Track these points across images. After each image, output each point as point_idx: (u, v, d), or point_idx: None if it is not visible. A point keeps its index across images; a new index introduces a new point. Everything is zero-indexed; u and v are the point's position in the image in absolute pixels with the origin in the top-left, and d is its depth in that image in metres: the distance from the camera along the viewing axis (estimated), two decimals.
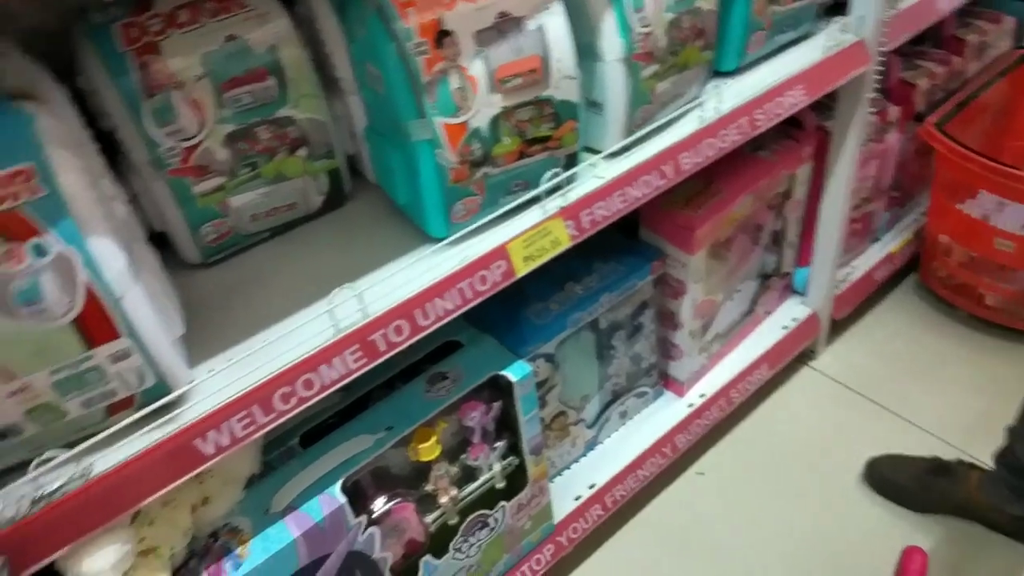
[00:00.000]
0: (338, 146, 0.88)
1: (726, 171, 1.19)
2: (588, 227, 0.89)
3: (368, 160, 0.92)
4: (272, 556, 0.78)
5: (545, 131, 0.82)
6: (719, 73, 1.08)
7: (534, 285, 1.12)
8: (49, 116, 0.58)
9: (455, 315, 0.80)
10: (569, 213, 0.87)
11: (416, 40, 0.71)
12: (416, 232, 0.86)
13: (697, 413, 1.32)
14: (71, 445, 0.64)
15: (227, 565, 0.77)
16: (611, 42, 0.85)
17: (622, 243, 1.18)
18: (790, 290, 1.50)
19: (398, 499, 0.92)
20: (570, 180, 0.88)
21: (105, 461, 0.65)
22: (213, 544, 0.79)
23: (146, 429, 0.67)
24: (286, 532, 0.79)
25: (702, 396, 1.34)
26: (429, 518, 0.97)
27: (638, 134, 0.94)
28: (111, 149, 0.76)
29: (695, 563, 1.24)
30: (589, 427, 1.25)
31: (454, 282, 0.79)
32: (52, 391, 0.61)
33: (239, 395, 0.69)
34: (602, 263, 1.15)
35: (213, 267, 0.87)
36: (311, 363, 0.72)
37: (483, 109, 0.76)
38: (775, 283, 1.44)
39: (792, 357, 1.47)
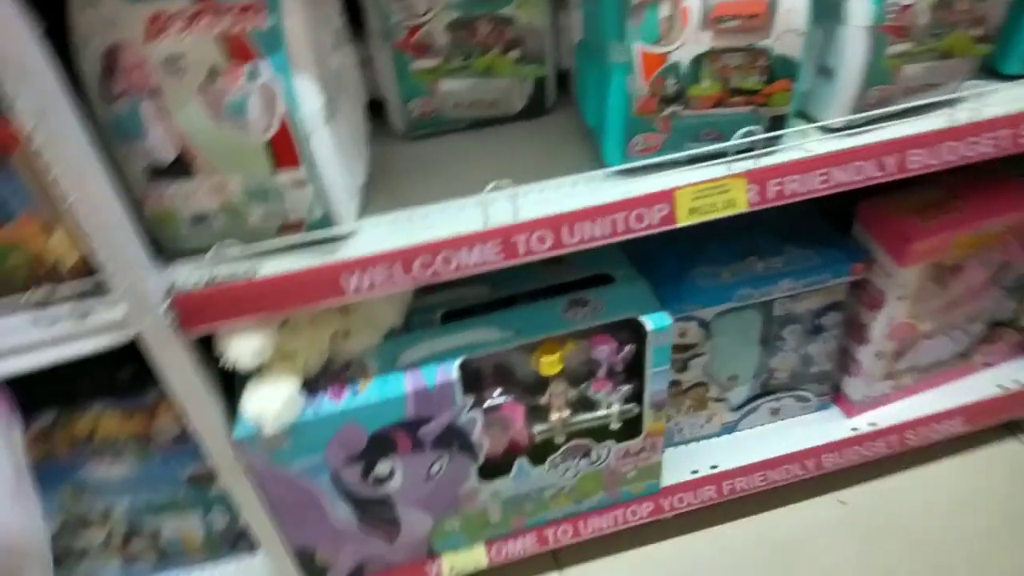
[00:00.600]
0: (551, 57, 0.91)
1: (977, 188, 1.04)
2: (773, 198, 0.84)
3: (574, 78, 0.93)
4: (384, 400, 0.87)
5: (753, 84, 0.77)
6: (995, 73, 0.92)
7: (715, 248, 1.09)
8: None
9: (602, 243, 0.81)
10: (756, 177, 0.82)
11: None
12: (595, 157, 0.87)
13: (860, 440, 1.20)
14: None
15: (346, 392, 0.88)
16: (859, 5, 0.77)
17: (828, 234, 1.09)
18: None
19: (510, 398, 0.98)
20: (769, 143, 0.82)
21: (267, 268, 0.76)
22: (342, 373, 0.90)
23: (306, 253, 0.77)
24: (401, 385, 0.88)
25: (872, 425, 1.21)
26: (536, 428, 1.01)
27: (868, 115, 0.85)
28: (359, 15, 0.86)
29: None
30: (731, 410, 1.20)
31: (609, 211, 0.80)
32: (241, 195, 0.72)
33: (386, 251, 0.77)
34: (797, 248, 1.07)
35: (411, 141, 0.96)
36: (454, 244, 0.78)
37: (688, 45, 0.74)
38: (1007, 335, 1.23)
39: (998, 422, 1.27)
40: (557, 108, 0.98)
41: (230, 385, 0.87)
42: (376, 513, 0.99)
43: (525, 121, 0.96)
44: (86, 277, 0.72)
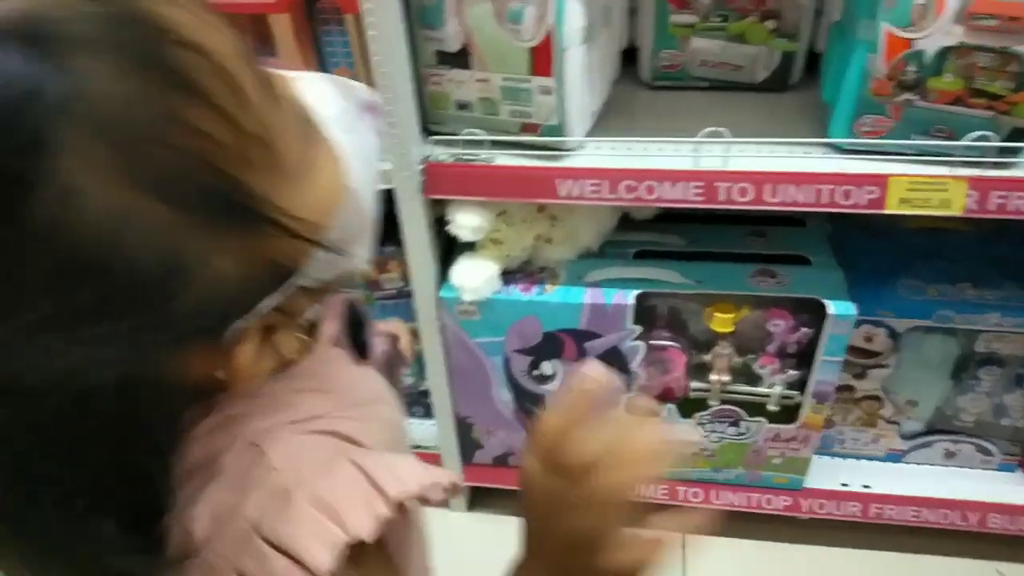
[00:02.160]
0: (804, 34, 0.95)
1: None
2: (993, 210, 0.82)
3: (822, 59, 0.97)
4: (563, 304, 0.99)
5: (998, 88, 0.77)
6: None
7: (929, 266, 1.06)
8: None
9: (803, 209, 0.85)
10: (979, 185, 0.81)
11: None
12: (821, 132, 0.90)
13: None
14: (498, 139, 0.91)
15: (534, 288, 1.01)
16: None
17: None
18: None
19: (677, 345, 1.05)
20: (1002, 153, 0.81)
21: (502, 159, 0.91)
22: (536, 273, 1.04)
23: (535, 154, 0.90)
24: (581, 296, 0.99)
25: None
26: (695, 383, 1.07)
27: None
28: None
29: None
30: (902, 437, 1.16)
31: (817, 180, 0.84)
32: (499, 91, 0.87)
33: (599, 168, 0.88)
34: (1018, 288, 1.02)
35: (652, 90, 1.05)
36: (659, 175, 0.86)
37: (937, 35, 0.76)
38: None
39: None
40: (799, 87, 1.02)
41: (448, 259, 1.04)
42: (532, 408, 1.12)
43: (764, 92, 1.01)
44: None
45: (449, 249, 1.04)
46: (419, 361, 1.14)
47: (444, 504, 1.26)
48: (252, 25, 0.88)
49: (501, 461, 1.21)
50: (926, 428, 1.14)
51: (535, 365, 1.06)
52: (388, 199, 0.94)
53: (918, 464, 1.18)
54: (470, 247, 1.00)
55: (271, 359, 0.39)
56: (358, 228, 0.40)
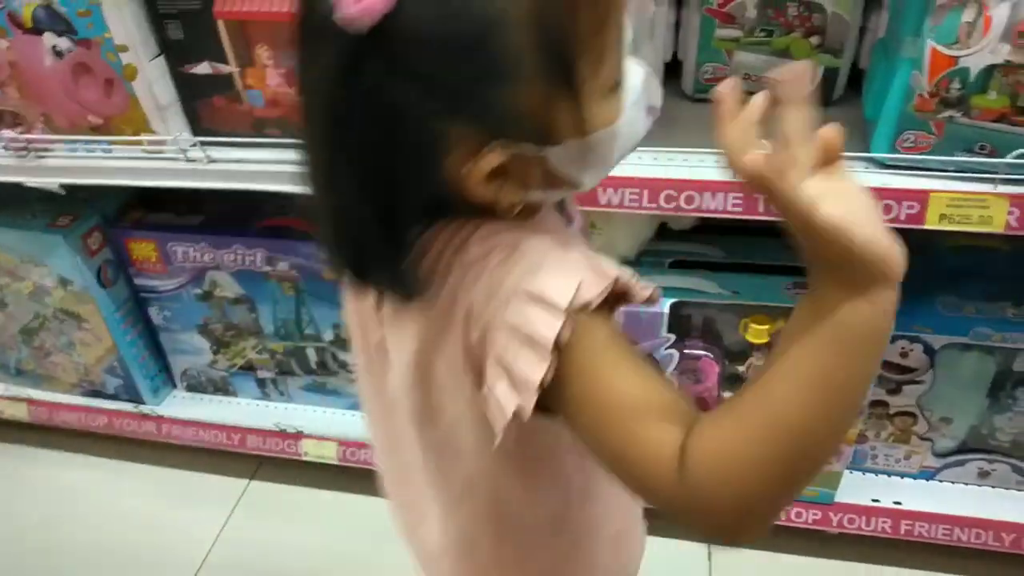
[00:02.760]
0: (848, 50, 0.96)
1: None
2: None
3: (866, 76, 0.97)
4: None
5: None
6: None
7: (969, 284, 1.06)
8: None
9: None
10: (1021, 202, 0.82)
11: None
12: (864, 148, 0.90)
13: None
14: None
15: None
16: None
17: None
18: None
19: (710, 355, 1.06)
20: None
21: None
22: None
23: None
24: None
25: None
26: (726, 394, 1.08)
27: None
28: None
29: None
30: (935, 455, 1.15)
31: None
32: None
33: (639, 177, 0.89)
34: None
35: (695, 103, 1.06)
36: (699, 186, 0.88)
37: (983, 53, 0.76)
38: None
39: None
40: (842, 103, 1.02)
41: None
42: None
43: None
44: None
45: None
46: None
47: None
48: None
49: None
50: (960, 446, 1.14)
51: None
52: None
53: (951, 483, 1.17)
54: None
55: (497, 193, 0.45)
56: (600, 162, 0.48)
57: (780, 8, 0.94)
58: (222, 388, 1.39)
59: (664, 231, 1.10)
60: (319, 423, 1.32)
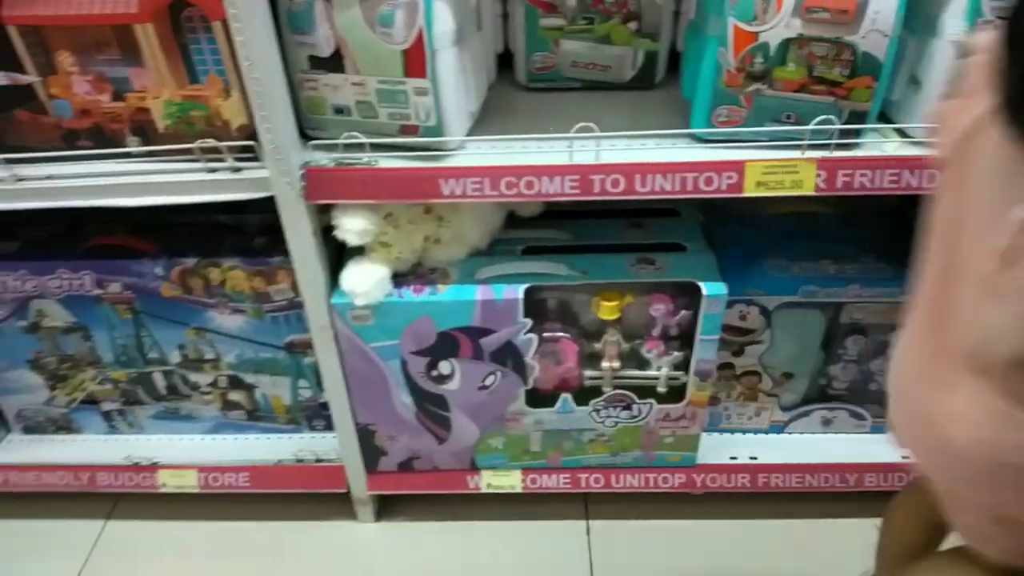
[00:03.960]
0: (665, 34, 1.01)
1: None
2: (840, 188, 0.90)
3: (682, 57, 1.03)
4: (455, 302, 1.01)
5: (836, 75, 0.84)
6: None
7: (793, 246, 1.14)
8: None
9: (671, 196, 0.90)
10: (827, 165, 0.89)
11: None
12: (685, 126, 0.95)
13: (904, 468, 1.21)
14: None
15: (426, 289, 1.02)
16: (952, 21, 0.82)
17: (905, 247, 1.11)
18: None
19: (568, 336, 1.08)
20: (845, 135, 0.88)
21: (384, 161, 0.92)
22: (427, 273, 1.05)
23: (416, 155, 0.92)
24: (473, 293, 1.01)
25: None
26: (588, 372, 1.11)
27: None
28: None
29: None
30: (782, 409, 1.23)
31: (681, 169, 0.89)
32: (375, 94, 0.88)
33: (480, 166, 0.90)
34: (874, 260, 1.11)
35: (529, 92, 1.08)
36: (538, 171, 0.90)
37: (778, 28, 0.82)
38: None
39: None
40: (664, 84, 1.07)
41: (338, 265, 1.03)
42: (432, 409, 1.13)
43: (633, 91, 1.06)
44: (246, 140, 0.90)
45: (339, 256, 1.03)
46: (316, 372, 1.13)
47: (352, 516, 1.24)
48: (116, 35, 0.85)
49: (406, 467, 1.21)
50: (803, 399, 1.22)
51: (432, 365, 1.07)
52: (271, 207, 0.93)
53: (800, 433, 1.26)
54: (359, 252, 1.01)
55: None
56: None
57: None
58: (64, 426, 1.28)
59: (513, 219, 1.12)
60: (175, 452, 1.24)
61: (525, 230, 1.12)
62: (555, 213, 1.12)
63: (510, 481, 1.22)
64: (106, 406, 1.25)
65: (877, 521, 1.26)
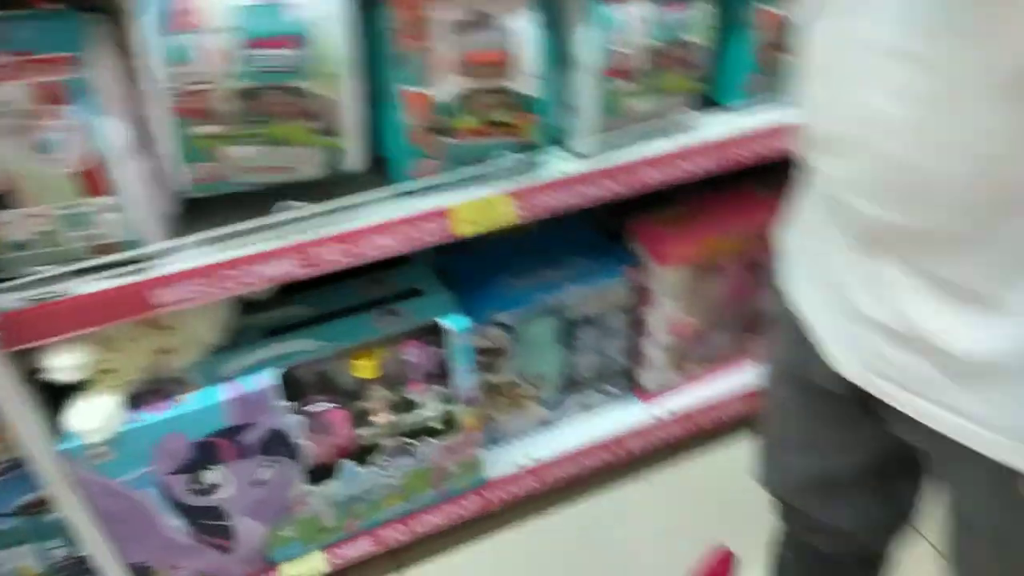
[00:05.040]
0: (350, 126, 0.90)
1: (723, 201, 1.26)
2: (538, 211, 1.01)
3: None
4: (202, 407, 0.96)
5: (505, 117, 0.95)
6: (713, 103, 1.14)
7: (514, 263, 1.25)
8: (100, 24, 0.78)
9: (393, 252, 0.95)
10: (519, 195, 0.99)
11: (397, 21, 0.86)
12: (388, 183, 1.00)
13: (659, 425, 1.38)
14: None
15: (167, 404, 0.96)
16: (585, 54, 0.96)
17: (604, 245, 1.28)
18: None
19: (333, 405, 1.08)
20: (528, 166, 0.99)
21: (81, 287, 0.85)
22: (166, 387, 0.99)
23: (117, 272, 0.86)
24: (219, 393, 0.97)
25: (670, 411, 1.39)
26: (362, 432, 1.12)
27: (608, 142, 1.04)
28: None
29: (610, 561, 1.31)
30: (546, 407, 1.35)
31: (395, 226, 0.94)
32: (56, 222, 0.81)
33: (190, 268, 0.87)
34: (580, 259, 1.25)
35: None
36: (255, 259, 0.89)
37: (447, 87, 0.90)
38: None
39: None
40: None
41: (58, 404, 0.93)
42: (208, 523, 1.06)
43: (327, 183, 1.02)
44: None
45: (60, 393, 0.93)
46: (64, 528, 1.01)
47: None
48: None
49: None
50: (560, 392, 1.35)
51: (195, 479, 1.01)
52: None
53: (567, 425, 1.38)
54: (81, 386, 0.92)
55: None
56: None
57: (258, 99, 0.84)
58: None
59: (249, 305, 1.09)
60: None
61: (264, 313, 1.10)
62: (291, 288, 1.12)
63: (312, 565, 1.19)
64: None
65: (647, 476, 1.44)
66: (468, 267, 1.23)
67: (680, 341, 1.35)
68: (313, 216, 0.91)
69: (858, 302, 0.60)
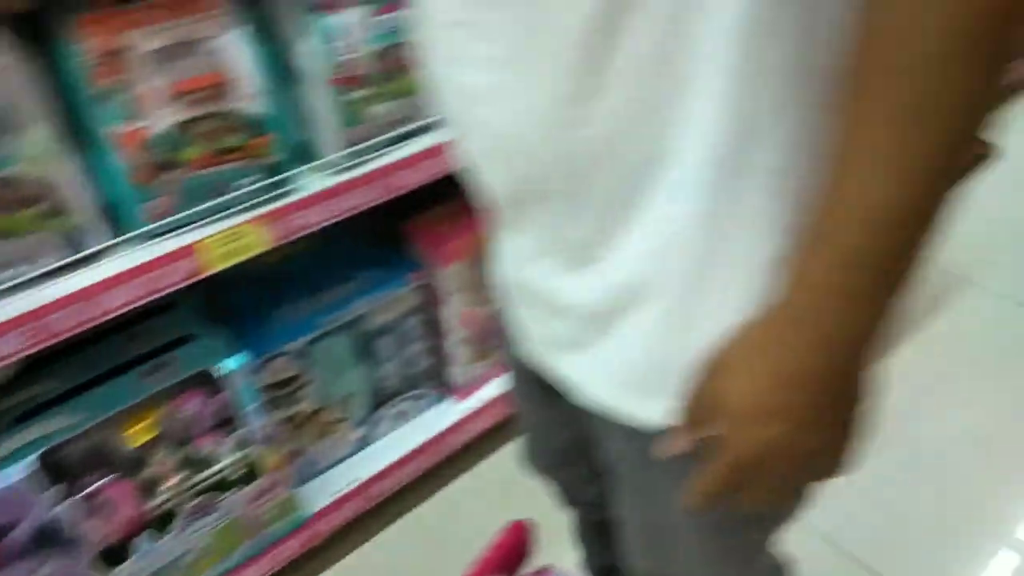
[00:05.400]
0: (83, 200, 0.86)
1: None
2: (294, 232, 0.98)
3: None
4: None
5: (235, 142, 0.90)
6: None
7: (294, 288, 1.21)
8: None
9: (138, 304, 0.88)
10: (272, 218, 0.95)
11: (89, 56, 0.79)
12: (118, 232, 0.92)
13: (473, 417, 1.40)
14: None
15: None
16: (310, 65, 0.94)
17: (385, 254, 1.27)
18: None
19: (111, 479, 0.99)
20: (273, 188, 0.96)
21: None
22: None
23: None
24: None
25: (482, 401, 1.41)
26: (152, 501, 1.03)
27: (357, 151, 1.02)
28: None
29: (460, 557, 1.31)
30: (358, 426, 1.32)
31: (135, 276, 0.87)
32: None
33: None
34: (363, 271, 1.23)
35: None
36: None
37: (161, 120, 0.85)
38: None
39: None
40: None
41: None
42: None
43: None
44: None
45: None
46: None
47: None
48: None
49: None
50: (369, 408, 1.32)
51: None
52: None
53: (384, 438, 1.36)
54: None
55: None
56: None
57: None
58: None
59: None
60: None
61: (7, 398, 0.98)
62: (37, 363, 1.00)
63: None
64: None
65: (475, 469, 1.45)
66: (246, 300, 1.17)
67: (476, 333, 1.37)
68: (30, 281, 0.82)
69: (510, 277, 0.62)
